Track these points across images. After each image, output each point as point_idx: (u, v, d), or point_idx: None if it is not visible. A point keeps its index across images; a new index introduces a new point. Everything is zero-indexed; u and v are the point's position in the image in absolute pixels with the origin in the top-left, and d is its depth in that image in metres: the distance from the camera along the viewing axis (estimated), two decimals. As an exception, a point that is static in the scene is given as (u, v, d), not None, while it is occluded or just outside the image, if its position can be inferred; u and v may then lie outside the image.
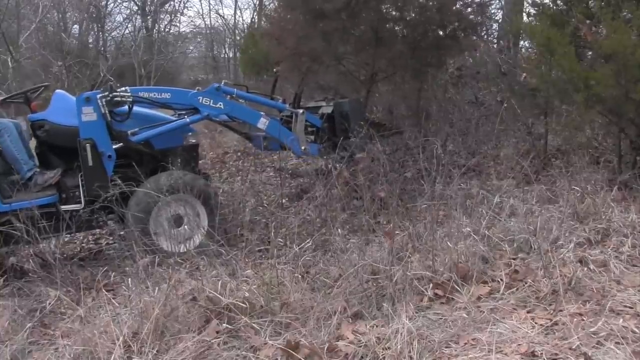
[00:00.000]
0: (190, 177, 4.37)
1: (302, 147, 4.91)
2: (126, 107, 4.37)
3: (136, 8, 18.99)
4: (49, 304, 3.37)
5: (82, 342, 2.71)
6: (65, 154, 4.41)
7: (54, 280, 3.51)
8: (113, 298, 3.23)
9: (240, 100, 4.84)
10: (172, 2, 20.15)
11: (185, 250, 4.06)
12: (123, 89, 4.40)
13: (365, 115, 5.32)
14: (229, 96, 4.72)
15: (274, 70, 5.99)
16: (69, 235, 4.77)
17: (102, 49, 18.16)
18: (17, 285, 3.75)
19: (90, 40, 18.60)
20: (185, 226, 4.36)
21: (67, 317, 3.17)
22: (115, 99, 4.30)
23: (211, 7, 40.08)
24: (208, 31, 23.28)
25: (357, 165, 4.69)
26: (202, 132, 10.10)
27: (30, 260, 4.00)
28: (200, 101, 4.61)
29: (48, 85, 5.18)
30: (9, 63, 11.31)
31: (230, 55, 23.09)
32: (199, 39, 23.59)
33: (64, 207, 4.20)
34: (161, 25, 19.47)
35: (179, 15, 21.44)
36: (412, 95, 6.81)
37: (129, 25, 19.33)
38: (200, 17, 28.90)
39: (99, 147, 4.26)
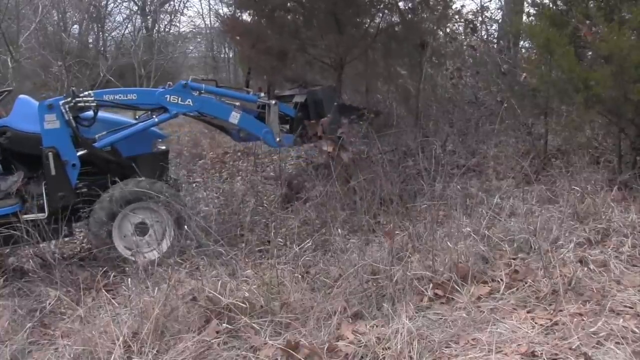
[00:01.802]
0: (157, 185, 4.22)
1: (277, 139, 4.81)
2: (91, 112, 4.28)
3: (136, 8, 19.00)
4: (49, 304, 3.36)
5: (82, 342, 2.71)
6: (29, 161, 4.28)
7: (54, 280, 3.51)
8: (113, 298, 3.23)
9: (211, 95, 4.71)
10: (172, 2, 20.15)
11: (150, 259, 3.94)
12: (86, 93, 4.32)
13: (339, 101, 5.24)
14: (197, 92, 4.59)
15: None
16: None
17: (102, 49, 18.16)
18: (17, 285, 3.74)
19: (90, 40, 18.61)
20: (150, 235, 4.24)
21: (67, 317, 3.16)
22: (79, 104, 4.21)
23: (211, 7, 39.88)
24: (208, 31, 23.26)
25: (343, 159, 4.68)
26: (202, 132, 10.10)
27: (30, 260, 4.00)
28: (168, 100, 4.48)
29: (11, 90, 4.97)
30: (9, 63, 11.32)
31: (231, 55, 23.04)
32: (199, 39, 23.56)
33: (26, 217, 4.03)
34: (161, 25, 19.45)
35: (179, 15, 21.46)
36: (394, 79, 6.73)
37: (129, 25, 19.33)
38: (200, 17, 28.84)
39: (63, 156, 4.14)
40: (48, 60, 12.76)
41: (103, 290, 3.26)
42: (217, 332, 2.74)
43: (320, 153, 4.98)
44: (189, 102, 4.53)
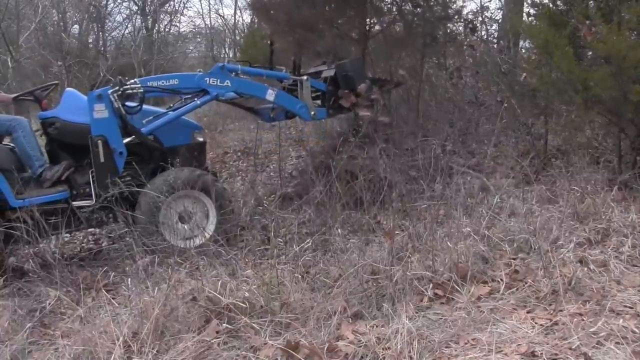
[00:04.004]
0: (198, 174, 4.43)
1: (312, 113, 5.03)
2: (135, 101, 4.41)
3: (136, 8, 18.97)
4: (49, 304, 3.37)
5: (82, 342, 2.71)
6: (75, 151, 4.44)
7: (54, 280, 3.51)
8: (113, 298, 3.24)
9: (245, 76, 4.90)
10: (172, 2, 20.15)
11: (195, 245, 4.12)
12: (132, 81, 4.44)
13: (367, 73, 5.39)
14: (234, 73, 4.78)
15: (269, 42, 6.03)
16: (68, 235, 4.78)
17: (102, 49, 18.13)
18: (17, 285, 3.75)
19: (90, 40, 18.58)
20: (193, 221, 4.41)
21: (67, 317, 3.17)
22: (127, 92, 4.34)
23: (211, 7, 39.96)
24: (208, 31, 23.25)
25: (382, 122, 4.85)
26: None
27: (30, 260, 4.00)
28: (208, 82, 4.67)
29: (57, 83, 5.26)
30: (9, 63, 11.31)
31: (230, 55, 23.00)
32: (199, 39, 23.54)
33: (75, 203, 4.24)
34: (161, 25, 19.45)
35: (179, 15, 21.44)
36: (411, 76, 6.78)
37: (129, 25, 19.31)
38: (200, 17, 28.83)
39: (111, 144, 4.30)
40: (48, 60, 12.75)
41: (103, 290, 3.26)
42: (217, 332, 2.74)
43: (359, 119, 5.11)
44: (227, 83, 4.74)
